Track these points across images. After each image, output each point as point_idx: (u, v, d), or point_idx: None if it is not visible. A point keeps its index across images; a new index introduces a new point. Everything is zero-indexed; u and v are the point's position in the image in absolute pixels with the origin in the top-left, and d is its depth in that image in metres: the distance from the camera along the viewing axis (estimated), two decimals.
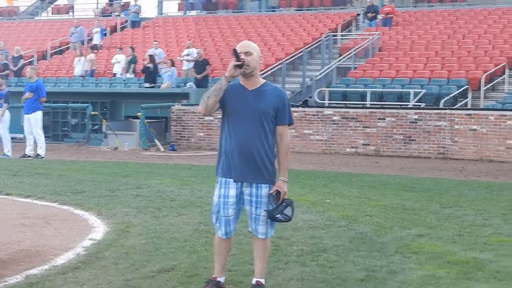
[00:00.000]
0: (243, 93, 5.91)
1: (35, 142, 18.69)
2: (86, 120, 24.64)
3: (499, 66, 23.80)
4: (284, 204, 5.92)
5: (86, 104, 24.61)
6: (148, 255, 7.34)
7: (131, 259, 7.13)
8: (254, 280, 6.06)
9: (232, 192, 5.92)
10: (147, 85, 25.99)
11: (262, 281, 6.04)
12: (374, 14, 30.82)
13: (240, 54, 5.76)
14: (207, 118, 22.44)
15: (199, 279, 6.44)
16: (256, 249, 6.07)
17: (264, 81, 6.03)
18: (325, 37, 28.67)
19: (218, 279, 6.12)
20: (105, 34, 35.05)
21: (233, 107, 5.89)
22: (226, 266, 6.31)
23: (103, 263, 7.00)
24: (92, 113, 24.22)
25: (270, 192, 5.90)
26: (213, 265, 6.60)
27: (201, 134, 22.69)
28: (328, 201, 11.10)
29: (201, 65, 25.88)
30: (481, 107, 21.56)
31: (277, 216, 5.91)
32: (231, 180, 5.92)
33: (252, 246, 6.19)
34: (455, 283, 6.42)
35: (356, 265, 7.02)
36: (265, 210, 5.92)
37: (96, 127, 24.59)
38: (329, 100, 23.70)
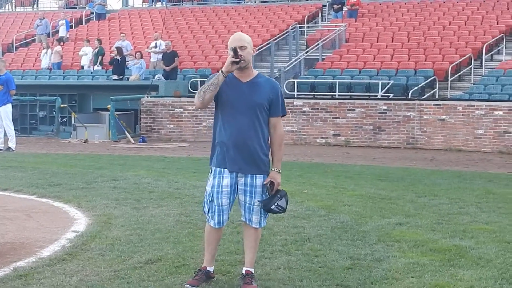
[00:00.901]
0: (237, 85, 5.94)
1: (5, 135, 18.54)
2: (54, 112, 24.49)
3: (465, 57, 24.09)
4: (278, 196, 6.00)
5: (55, 97, 24.44)
6: (133, 246, 7.37)
7: (117, 251, 7.16)
8: (244, 269, 6.12)
9: (226, 181, 5.96)
10: (115, 77, 25.89)
11: (252, 270, 6.10)
12: (340, 6, 30.92)
13: (236, 48, 5.80)
14: (176, 110, 22.51)
15: (187, 269, 6.49)
16: (248, 239, 6.12)
17: (257, 72, 6.08)
18: (292, 29, 28.75)
19: (208, 268, 6.17)
20: (71, 27, 34.77)
21: (227, 99, 5.92)
22: (215, 256, 6.36)
23: (90, 254, 7.02)
24: (61, 105, 24.08)
25: (264, 183, 5.98)
26: (200, 255, 6.68)
27: (171, 126, 22.69)
28: (305, 191, 11.20)
29: (169, 57, 25.80)
30: (449, 98, 21.84)
31: (272, 207, 5.98)
32: (226, 170, 5.95)
33: (244, 236, 6.25)
34: (440, 270, 6.55)
35: (341, 253, 7.12)
36: (259, 201, 5.99)
37: (64, 119, 24.46)
38: (297, 92, 23.80)
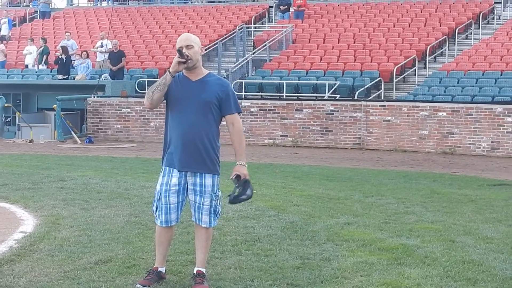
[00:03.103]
0: (186, 84, 5.99)
1: None
2: None
3: (409, 59, 24.47)
4: (237, 185, 6.02)
5: None
6: (83, 246, 7.33)
7: (66, 251, 7.11)
8: (195, 269, 6.13)
9: (175, 180, 5.99)
10: (60, 76, 25.57)
11: (203, 270, 6.12)
12: (286, 7, 31.04)
13: (181, 49, 5.84)
14: (124, 110, 22.39)
15: (138, 269, 6.50)
16: (199, 239, 6.14)
17: (208, 71, 6.14)
18: (239, 29, 28.82)
19: (160, 269, 6.18)
20: (14, 25, 34.30)
21: (176, 97, 5.97)
22: (167, 256, 6.37)
23: (38, 255, 6.96)
24: (6, 105, 23.76)
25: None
26: (150, 255, 6.69)
27: (118, 126, 22.54)
28: (255, 191, 11.20)
29: (116, 56, 25.63)
30: (394, 99, 22.13)
31: (241, 197, 6.02)
32: (175, 169, 5.99)
33: (195, 236, 6.27)
34: (387, 268, 6.66)
35: (291, 253, 7.19)
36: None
37: (9, 119, 24.12)
38: (245, 92, 23.87)
